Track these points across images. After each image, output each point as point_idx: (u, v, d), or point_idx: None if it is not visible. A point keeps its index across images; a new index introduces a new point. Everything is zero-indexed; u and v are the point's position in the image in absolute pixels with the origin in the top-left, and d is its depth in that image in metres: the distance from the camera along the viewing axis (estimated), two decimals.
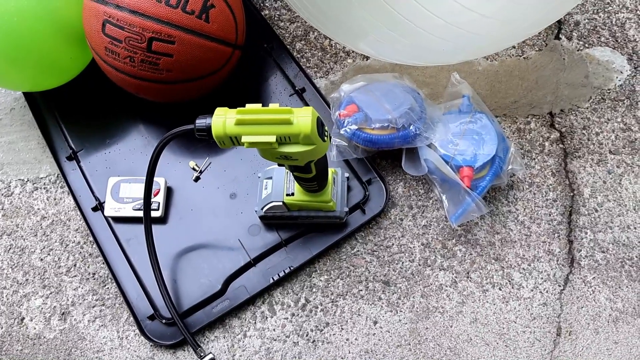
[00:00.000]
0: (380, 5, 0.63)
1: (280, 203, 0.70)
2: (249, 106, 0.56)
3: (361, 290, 0.72)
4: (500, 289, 0.71)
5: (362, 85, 0.77)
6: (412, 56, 0.73)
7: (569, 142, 0.79)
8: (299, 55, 0.87)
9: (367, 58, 0.86)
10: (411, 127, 0.72)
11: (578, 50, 0.85)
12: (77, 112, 0.83)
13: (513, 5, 0.60)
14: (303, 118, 0.55)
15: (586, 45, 0.86)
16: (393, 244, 0.74)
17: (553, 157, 0.78)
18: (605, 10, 0.88)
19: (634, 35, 0.86)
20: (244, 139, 0.55)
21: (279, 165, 0.63)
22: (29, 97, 0.85)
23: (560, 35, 0.87)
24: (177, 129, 0.59)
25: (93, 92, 0.84)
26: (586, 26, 0.87)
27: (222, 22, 0.70)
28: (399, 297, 0.71)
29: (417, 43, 0.68)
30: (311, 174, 0.63)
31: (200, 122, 0.56)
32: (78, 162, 0.80)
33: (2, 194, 0.80)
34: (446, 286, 0.72)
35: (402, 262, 0.73)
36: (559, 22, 0.88)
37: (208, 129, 0.56)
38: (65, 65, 0.77)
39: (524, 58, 0.85)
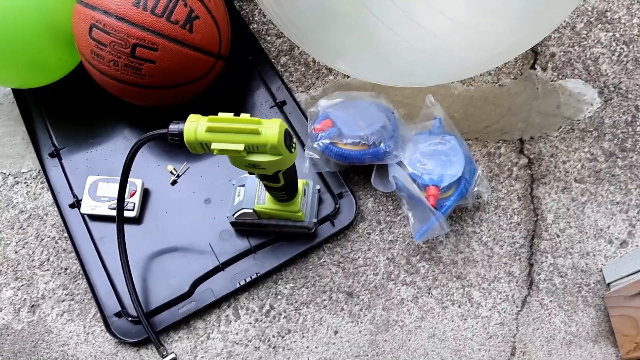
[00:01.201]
0: (355, 28, 0.66)
1: (251, 210, 0.72)
2: (220, 115, 0.58)
3: (325, 300, 0.74)
4: (459, 307, 0.73)
5: (340, 102, 0.80)
6: (387, 77, 0.76)
7: (536, 169, 0.82)
8: (282, 69, 0.89)
9: (348, 76, 0.89)
10: (382, 145, 0.74)
11: (552, 81, 0.88)
12: (63, 110, 0.86)
13: (479, 35, 0.63)
14: (271, 129, 0.57)
15: (560, 76, 0.89)
16: (359, 257, 0.76)
17: (520, 182, 0.81)
18: (581, 44, 0.91)
19: (606, 70, 0.89)
20: (214, 145, 0.58)
21: (250, 173, 0.65)
22: (17, 93, 0.87)
23: (536, 66, 0.90)
24: (151, 132, 0.61)
25: (80, 93, 0.86)
26: (561, 58, 0.90)
27: (206, 33, 0.73)
28: (360, 309, 0.73)
29: (391, 65, 0.71)
30: (279, 184, 0.65)
31: (174, 127, 0.59)
32: (60, 159, 0.82)
33: None
34: (407, 301, 0.74)
35: (367, 275, 0.75)
36: (535, 52, 0.91)
37: (180, 134, 0.59)
38: (54, 65, 0.79)
39: (499, 85, 0.88)
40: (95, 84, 0.79)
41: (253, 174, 0.65)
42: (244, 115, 0.58)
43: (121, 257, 0.71)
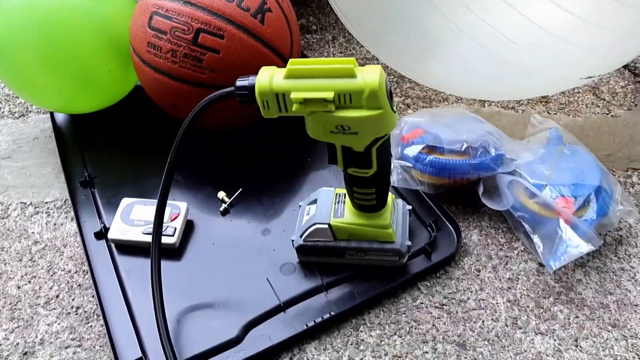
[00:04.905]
0: (454, 11, 0.56)
1: (326, 226, 0.55)
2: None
3: (427, 353, 0.52)
4: None
5: (428, 119, 0.67)
6: (493, 80, 0.63)
7: None
8: None
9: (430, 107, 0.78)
10: (491, 149, 0.59)
11: None
12: (101, 142, 0.76)
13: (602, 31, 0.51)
14: (370, 73, 0.44)
15: None
16: (469, 298, 0.56)
17: None
18: None
19: None
20: (294, 95, 0.45)
21: (330, 154, 0.50)
22: (56, 128, 0.78)
23: None
24: (214, 93, 0.49)
25: (120, 126, 0.78)
26: None
27: (278, 28, 0.64)
28: None
29: (500, 60, 0.59)
30: (371, 170, 0.49)
31: (242, 80, 0.47)
32: (92, 187, 0.69)
33: None
34: (547, 355, 0.51)
35: (483, 321, 0.54)
36: None
37: (251, 87, 0.46)
38: (103, 81, 0.71)
39: (612, 116, 0.75)
40: (138, 116, 0.72)
41: (335, 162, 0.50)
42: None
43: (153, 286, 0.53)
